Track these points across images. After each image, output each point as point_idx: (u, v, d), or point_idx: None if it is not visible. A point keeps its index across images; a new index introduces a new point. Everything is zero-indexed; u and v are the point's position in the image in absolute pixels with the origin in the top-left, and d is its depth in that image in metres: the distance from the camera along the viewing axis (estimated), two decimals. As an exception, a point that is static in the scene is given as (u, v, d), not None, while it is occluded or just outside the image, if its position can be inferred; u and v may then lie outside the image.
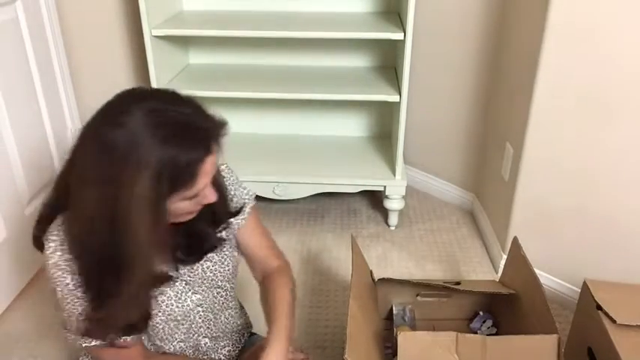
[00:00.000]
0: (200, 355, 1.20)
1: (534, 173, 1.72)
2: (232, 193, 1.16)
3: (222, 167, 1.15)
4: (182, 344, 1.15)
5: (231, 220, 1.16)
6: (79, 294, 0.97)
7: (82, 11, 2.12)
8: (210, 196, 0.97)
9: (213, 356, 1.22)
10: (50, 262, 0.97)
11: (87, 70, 2.18)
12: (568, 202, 1.68)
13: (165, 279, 1.06)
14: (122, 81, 2.29)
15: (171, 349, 1.14)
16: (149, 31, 1.95)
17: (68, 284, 0.97)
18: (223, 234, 1.14)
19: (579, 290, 1.38)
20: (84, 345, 1.01)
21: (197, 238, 1.08)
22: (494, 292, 1.49)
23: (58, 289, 0.98)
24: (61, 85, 2.06)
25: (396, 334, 1.18)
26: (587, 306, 1.31)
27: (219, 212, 1.10)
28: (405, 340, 1.15)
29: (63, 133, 2.10)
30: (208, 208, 1.02)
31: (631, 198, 1.56)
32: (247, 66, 2.35)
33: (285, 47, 2.33)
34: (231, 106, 2.46)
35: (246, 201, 1.19)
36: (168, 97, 0.93)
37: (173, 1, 2.21)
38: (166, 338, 1.12)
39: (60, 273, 0.97)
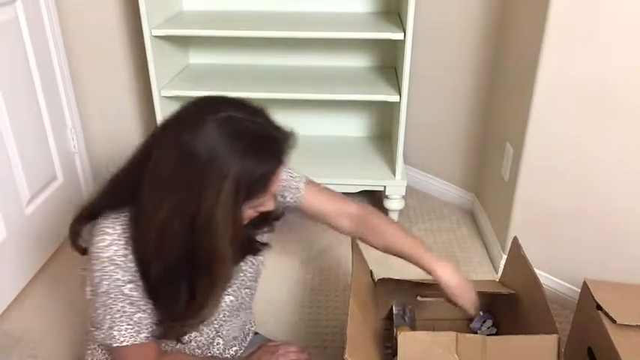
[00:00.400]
0: (209, 354, 1.20)
1: (534, 173, 1.72)
2: (283, 187, 1.21)
3: None
4: (198, 342, 1.15)
5: (289, 202, 1.22)
6: (126, 291, 0.98)
7: (82, 11, 2.12)
8: (270, 205, 1.02)
9: (222, 355, 1.22)
10: (103, 254, 0.97)
11: (87, 70, 2.18)
12: (568, 202, 1.68)
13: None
14: (122, 81, 2.29)
15: (192, 344, 1.15)
16: (149, 31, 1.95)
17: (118, 279, 0.97)
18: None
19: (579, 290, 1.38)
20: (114, 345, 1.00)
21: (242, 243, 1.10)
22: (494, 292, 1.49)
23: (105, 282, 0.97)
24: (61, 85, 2.06)
25: (396, 334, 1.18)
26: (587, 306, 1.30)
27: (269, 217, 1.14)
28: (405, 340, 1.14)
29: (63, 133, 2.10)
30: (260, 214, 1.06)
31: (631, 198, 1.56)
32: (247, 66, 2.35)
33: (285, 47, 2.33)
34: (231, 106, 2.46)
35: (300, 182, 1.25)
36: (240, 106, 0.96)
37: (173, 1, 2.21)
38: (187, 337, 1.12)
39: (112, 268, 0.97)
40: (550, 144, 1.66)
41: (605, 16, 1.45)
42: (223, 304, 1.12)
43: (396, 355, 1.14)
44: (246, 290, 1.19)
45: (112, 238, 0.97)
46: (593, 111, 1.55)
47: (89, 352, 1.20)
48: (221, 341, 1.20)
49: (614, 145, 1.54)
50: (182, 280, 0.98)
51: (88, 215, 1.03)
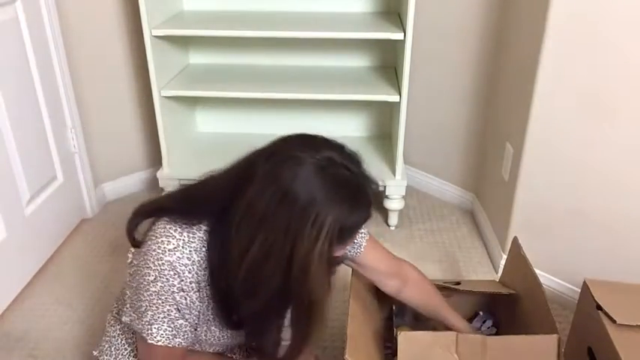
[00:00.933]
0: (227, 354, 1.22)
1: (534, 173, 1.72)
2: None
3: None
4: (217, 348, 1.16)
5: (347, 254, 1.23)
6: (177, 298, 0.97)
7: (82, 11, 2.11)
8: (345, 250, 1.05)
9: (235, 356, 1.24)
10: (165, 257, 0.96)
11: (87, 70, 2.18)
12: (568, 202, 1.68)
13: None
14: (122, 81, 2.28)
15: (210, 350, 1.16)
16: (149, 31, 1.95)
17: (173, 285, 0.96)
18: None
19: (579, 290, 1.38)
20: (149, 341, 1.00)
21: None
22: (495, 292, 1.49)
23: (160, 283, 0.96)
24: (61, 84, 2.06)
25: (396, 334, 1.18)
26: (587, 306, 1.30)
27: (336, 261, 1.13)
28: (405, 340, 1.14)
29: (63, 133, 2.10)
30: None
31: (631, 198, 1.56)
32: (247, 66, 2.35)
33: (285, 47, 2.33)
34: (231, 106, 2.46)
35: (363, 238, 1.24)
36: (338, 149, 0.96)
37: (173, 1, 2.21)
38: (208, 341, 1.12)
39: (172, 273, 0.96)
40: (550, 144, 1.66)
41: (605, 16, 1.45)
42: None
43: (396, 355, 1.14)
44: None
45: (177, 244, 0.96)
46: (593, 111, 1.55)
47: (107, 339, 1.19)
48: (237, 349, 1.23)
49: (614, 145, 1.54)
50: (274, 319, 1.02)
51: (152, 211, 1.03)
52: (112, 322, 1.19)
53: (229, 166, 1.01)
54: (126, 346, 1.16)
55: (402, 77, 1.93)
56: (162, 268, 0.96)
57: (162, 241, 0.96)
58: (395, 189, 2.11)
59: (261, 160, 0.94)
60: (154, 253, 0.97)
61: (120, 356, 1.16)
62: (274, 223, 0.89)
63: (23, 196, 1.86)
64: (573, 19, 1.50)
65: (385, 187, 2.12)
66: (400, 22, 2.04)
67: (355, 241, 1.23)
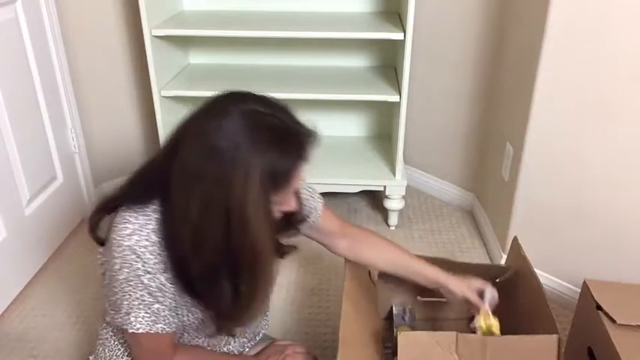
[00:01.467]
0: (218, 349, 1.21)
1: (534, 173, 1.72)
2: (304, 197, 1.20)
3: None
4: (210, 343, 1.16)
5: (308, 220, 1.22)
6: (145, 281, 0.98)
7: (82, 11, 2.11)
8: (293, 204, 1.01)
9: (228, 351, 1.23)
10: (125, 243, 0.97)
11: (87, 70, 2.18)
12: (568, 202, 1.68)
13: None
14: (122, 81, 2.28)
15: (199, 341, 1.15)
16: (149, 31, 1.95)
17: (138, 269, 0.97)
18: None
19: (579, 290, 1.38)
20: (130, 330, 1.01)
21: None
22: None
23: (125, 270, 0.97)
24: (60, 84, 2.06)
25: (396, 334, 1.18)
26: (587, 306, 1.30)
27: (294, 220, 1.14)
28: (405, 340, 1.14)
29: (63, 132, 2.10)
30: (284, 215, 1.06)
31: (631, 198, 1.56)
32: (247, 66, 2.35)
33: (285, 47, 2.33)
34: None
35: (319, 202, 1.26)
36: (265, 101, 0.96)
37: (173, 1, 2.21)
38: (193, 326, 1.12)
39: (133, 257, 0.97)
40: (550, 144, 1.66)
41: (605, 16, 1.45)
42: None
43: (396, 355, 1.14)
44: None
45: (134, 228, 0.97)
46: (593, 111, 1.55)
47: (100, 342, 1.20)
48: (232, 341, 1.21)
49: (614, 145, 1.54)
50: (224, 279, 0.98)
51: (110, 207, 1.03)
52: (104, 324, 1.20)
53: (167, 136, 1.01)
54: (119, 346, 1.16)
55: (402, 77, 1.93)
56: (124, 254, 0.97)
57: (120, 228, 0.98)
58: (395, 189, 2.11)
59: (187, 120, 0.96)
60: (114, 242, 0.98)
61: (114, 357, 1.16)
62: (206, 178, 0.90)
63: (23, 196, 1.86)
64: (573, 19, 1.50)
65: (385, 187, 2.12)
66: (400, 22, 2.04)
67: (312, 206, 1.23)
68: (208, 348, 1.19)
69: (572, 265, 1.73)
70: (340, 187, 2.16)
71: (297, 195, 1.09)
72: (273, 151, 0.90)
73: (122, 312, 1.00)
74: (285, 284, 1.90)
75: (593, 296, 1.28)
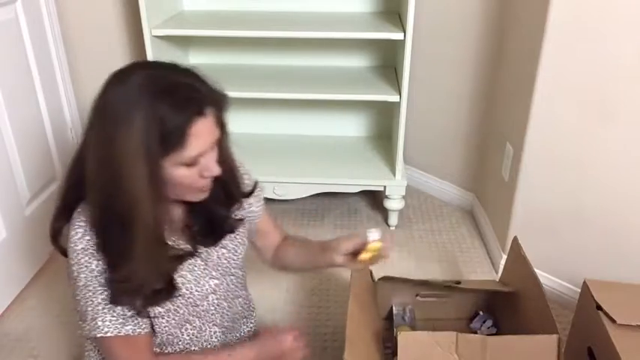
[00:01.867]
0: (208, 345, 1.19)
1: (534, 173, 1.72)
2: (242, 174, 1.18)
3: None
4: (194, 331, 1.15)
5: (253, 208, 1.21)
6: (103, 280, 0.98)
7: (82, 11, 2.12)
8: (212, 168, 0.98)
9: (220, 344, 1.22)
10: (78, 247, 0.97)
11: (87, 70, 2.18)
12: (568, 202, 1.68)
13: (182, 253, 1.08)
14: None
15: (183, 337, 1.14)
16: (149, 31, 1.95)
17: (93, 270, 0.97)
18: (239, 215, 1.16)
19: (579, 290, 1.38)
20: (98, 335, 1.00)
21: (214, 221, 1.11)
22: (494, 290, 1.49)
23: (82, 275, 0.98)
24: (60, 84, 2.06)
25: (396, 334, 1.18)
26: (587, 306, 1.31)
27: (232, 192, 1.12)
28: (405, 340, 1.15)
29: (63, 132, 2.10)
30: (220, 188, 1.06)
31: (631, 198, 1.56)
32: (247, 66, 2.35)
33: (285, 47, 2.33)
34: (231, 106, 2.46)
35: (258, 187, 1.24)
36: (173, 66, 0.96)
37: (173, 1, 2.21)
38: (182, 325, 1.12)
39: (87, 258, 0.97)
40: (550, 144, 1.66)
41: (605, 16, 1.45)
42: (208, 287, 1.12)
43: (396, 355, 1.14)
44: (231, 277, 1.18)
45: (83, 230, 0.97)
46: (593, 111, 1.55)
47: (86, 353, 1.20)
48: (217, 329, 1.19)
49: (614, 144, 1.54)
50: (113, 234, 0.96)
51: (65, 214, 1.03)
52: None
53: None
54: (103, 356, 1.16)
55: (402, 77, 1.93)
56: (78, 259, 0.97)
57: (72, 234, 0.98)
58: (395, 189, 2.11)
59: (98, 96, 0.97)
60: (70, 250, 0.99)
61: None
62: (98, 138, 0.91)
63: (23, 196, 1.86)
64: (573, 19, 1.50)
65: (385, 187, 2.12)
66: (400, 22, 2.04)
67: (256, 209, 1.23)
68: (194, 348, 1.17)
69: (572, 265, 1.73)
70: (340, 187, 2.16)
71: (229, 164, 1.07)
72: (162, 103, 0.89)
73: (89, 319, 1.00)
74: (285, 284, 1.90)
75: (593, 296, 1.28)
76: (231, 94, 2.23)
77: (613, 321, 1.21)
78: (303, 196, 2.18)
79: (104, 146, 0.90)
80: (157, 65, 0.97)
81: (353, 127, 2.48)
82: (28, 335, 1.70)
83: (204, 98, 0.93)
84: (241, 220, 1.18)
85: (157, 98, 0.89)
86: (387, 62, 2.34)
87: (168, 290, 1.04)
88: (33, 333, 1.71)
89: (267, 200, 2.21)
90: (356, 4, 2.25)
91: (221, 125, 1.00)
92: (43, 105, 1.95)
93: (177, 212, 1.09)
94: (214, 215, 1.11)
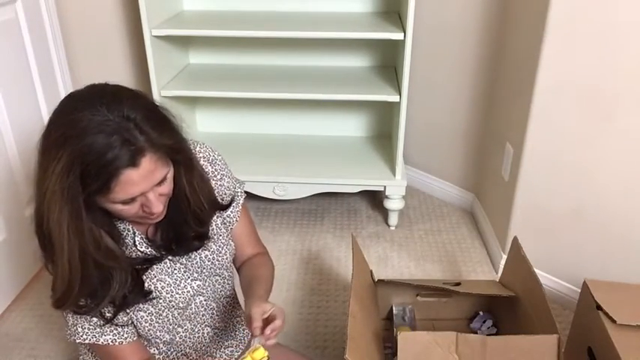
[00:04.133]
0: (204, 348, 1.20)
1: (534, 173, 1.72)
2: (219, 183, 1.15)
3: (211, 156, 1.15)
4: (186, 334, 1.16)
5: (228, 213, 1.18)
6: None
7: (82, 11, 2.12)
8: (152, 207, 0.95)
9: (215, 354, 1.22)
10: None
11: (87, 70, 2.19)
12: (568, 202, 1.68)
13: (149, 257, 1.07)
14: (122, 81, 2.27)
15: (177, 340, 1.15)
16: (149, 31, 1.95)
17: None
18: (214, 226, 1.14)
19: (579, 290, 1.38)
20: (77, 341, 1.03)
21: (180, 238, 1.09)
22: (494, 295, 1.49)
23: None
24: (61, 85, 2.06)
25: (396, 334, 1.18)
26: (587, 306, 1.31)
27: (200, 217, 1.09)
28: (405, 340, 1.14)
29: (63, 133, 2.10)
30: (182, 212, 1.04)
31: (631, 198, 1.56)
32: (247, 66, 2.35)
33: (285, 47, 2.33)
34: (232, 106, 2.46)
35: (238, 192, 1.20)
36: (131, 99, 0.95)
37: (173, 1, 2.21)
38: (173, 329, 1.13)
39: None
40: (550, 144, 1.66)
41: (605, 16, 1.45)
42: (191, 289, 1.11)
43: (396, 355, 1.14)
44: (217, 278, 1.17)
45: None
46: (593, 111, 1.55)
47: (80, 357, 1.22)
48: (209, 330, 1.19)
49: (614, 145, 1.54)
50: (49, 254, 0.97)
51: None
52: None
53: None
54: (96, 357, 1.18)
55: (402, 77, 1.93)
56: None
57: None
58: (395, 189, 2.11)
59: None
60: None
61: None
62: (38, 157, 0.92)
63: (23, 197, 1.86)
64: (573, 19, 1.50)
65: (385, 187, 2.12)
66: (400, 22, 2.04)
67: (231, 214, 1.19)
68: (194, 353, 1.18)
69: (572, 265, 1.73)
70: (340, 187, 2.16)
71: (181, 191, 1.03)
72: (90, 153, 0.87)
73: (70, 324, 1.03)
74: (285, 284, 1.90)
75: (593, 296, 1.28)
76: (231, 94, 2.25)
77: (613, 321, 1.21)
78: (303, 196, 2.18)
79: (38, 175, 0.92)
80: (107, 99, 0.93)
81: (353, 127, 2.48)
82: (28, 335, 1.70)
83: (139, 149, 0.89)
84: (207, 237, 1.13)
85: (87, 144, 0.87)
86: (387, 62, 2.34)
87: (136, 292, 1.03)
88: (33, 333, 1.71)
89: (267, 200, 2.23)
90: (356, 4, 2.25)
91: (173, 161, 0.97)
92: (43, 105, 1.95)
93: (142, 224, 1.08)
94: (179, 234, 1.09)
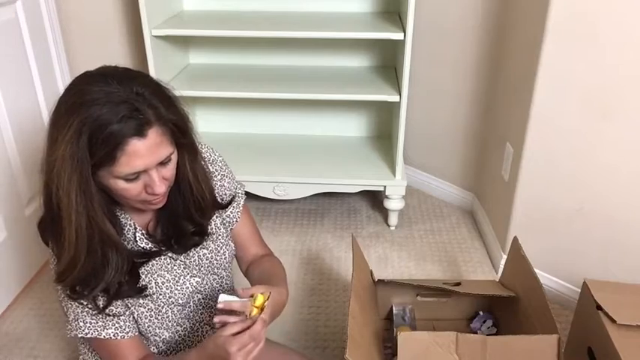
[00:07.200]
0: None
1: (534, 173, 1.72)
2: (219, 183, 1.16)
3: (212, 156, 1.16)
4: (186, 332, 1.16)
5: (228, 213, 1.19)
6: None
7: (81, 11, 2.12)
8: (154, 186, 0.96)
9: None
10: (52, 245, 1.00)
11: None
12: (568, 202, 1.68)
13: (148, 251, 1.07)
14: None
15: (177, 339, 1.15)
16: (149, 31, 1.95)
17: None
18: (213, 226, 1.14)
19: (579, 290, 1.38)
20: (80, 335, 1.03)
21: (179, 234, 1.10)
22: (494, 295, 1.49)
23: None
24: (61, 85, 2.06)
25: (396, 334, 1.18)
26: (587, 306, 1.31)
27: (197, 208, 1.09)
28: (405, 340, 1.15)
29: (63, 133, 2.10)
30: (186, 202, 1.06)
31: (631, 198, 1.56)
32: (247, 66, 2.35)
33: (285, 47, 2.33)
34: (231, 106, 2.46)
35: (239, 193, 1.22)
36: (139, 77, 0.96)
37: (173, 1, 2.21)
38: (173, 327, 1.13)
39: None
40: (550, 144, 1.66)
41: (605, 16, 1.45)
42: (190, 286, 1.12)
43: (396, 355, 1.14)
44: (214, 277, 1.18)
45: None
46: (593, 111, 1.55)
47: (81, 357, 1.22)
48: (208, 328, 1.20)
49: (614, 145, 1.54)
50: (55, 228, 0.99)
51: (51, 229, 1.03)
52: (81, 339, 1.21)
53: None
54: (96, 356, 1.18)
55: (402, 77, 1.93)
56: (54, 258, 1.01)
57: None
58: (395, 189, 2.11)
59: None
60: (50, 248, 1.02)
61: None
62: (47, 136, 0.95)
63: (23, 196, 1.86)
64: (573, 19, 1.50)
65: (385, 187, 2.12)
66: (400, 22, 2.04)
67: (231, 214, 1.20)
68: (191, 340, 1.18)
69: (572, 265, 1.73)
70: (340, 187, 2.16)
71: (185, 179, 1.04)
72: (100, 119, 0.89)
73: (71, 319, 1.03)
74: (285, 284, 1.90)
75: (593, 296, 1.28)
76: (231, 94, 2.25)
77: (613, 321, 1.21)
78: (303, 196, 2.18)
79: (47, 147, 0.94)
80: (118, 75, 0.95)
81: (353, 127, 2.48)
82: (28, 335, 1.70)
83: (147, 120, 0.91)
84: (207, 234, 1.14)
85: (96, 111, 0.89)
86: (387, 62, 2.34)
87: (130, 283, 1.04)
88: (33, 333, 1.71)
89: (267, 200, 2.23)
90: (356, 4, 2.25)
91: (178, 144, 0.99)
92: (43, 105, 1.95)
93: (143, 217, 1.09)
94: (179, 229, 1.09)
